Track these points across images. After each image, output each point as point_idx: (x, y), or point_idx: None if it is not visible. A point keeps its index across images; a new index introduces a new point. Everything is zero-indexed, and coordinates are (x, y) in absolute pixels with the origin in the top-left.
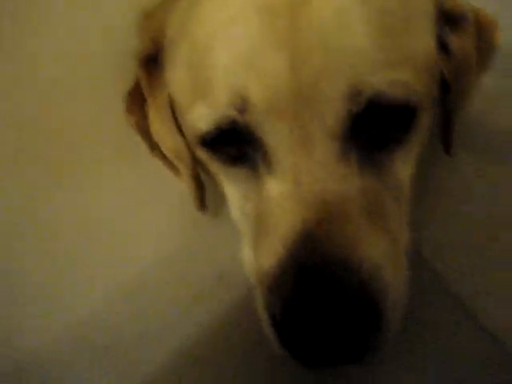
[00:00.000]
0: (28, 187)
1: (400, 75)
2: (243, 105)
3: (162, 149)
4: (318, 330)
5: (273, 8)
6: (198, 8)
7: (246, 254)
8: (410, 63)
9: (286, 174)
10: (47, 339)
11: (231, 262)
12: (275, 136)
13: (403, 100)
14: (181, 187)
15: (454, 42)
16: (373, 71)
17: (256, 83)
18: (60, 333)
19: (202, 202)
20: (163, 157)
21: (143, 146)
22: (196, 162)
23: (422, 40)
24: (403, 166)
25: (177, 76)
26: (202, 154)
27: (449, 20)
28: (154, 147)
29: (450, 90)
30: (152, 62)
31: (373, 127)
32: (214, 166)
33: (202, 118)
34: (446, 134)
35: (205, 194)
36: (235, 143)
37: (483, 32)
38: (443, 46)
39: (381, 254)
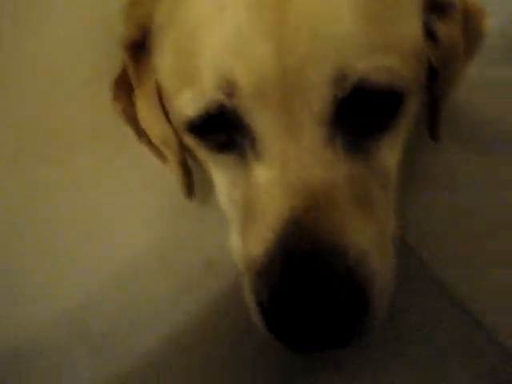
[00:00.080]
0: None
1: (386, 61)
2: (230, 88)
3: (150, 136)
4: (305, 315)
5: None
6: None
7: (234, 241)
8: (397, 49)
9: (274, 160)
10: (44, 326)
11: (219, 249)
12: (262, 122)
13: (389, 85)
14: (168, 174)
15: (442, 29)
16: (359, 57)
17: (242, 67)
18: (56, 320)
19: (189, 189)
20: (150, 144)
21: (131, 134)
22: (183, 149)
23: (409, 27)
24: (390, 153)
25: (164, 63)
26: (190, 141)
27: (436, 7)
28: (141, 134)
29: (436, 77)
30: (139, 48)
31: (359, 113)
32: (202, 153)
33: (189, 103)
34: (432, 120)
35: (192, 181)
36: (223, 130)
37: (470, 19)
38: (430, 34)
39: (368, 240)
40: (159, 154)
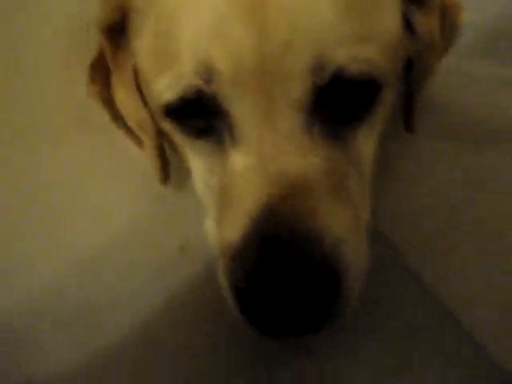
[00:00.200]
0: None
1: (364, 51)
2: (208, 74)
3: (126, 119)
4: (278, 299)
5: None
6: None
7: (210, 227)
8: (376, 40)
9: (251, 146)
10: (17, 303)
11: (194, 234)
12: (240, 108)
13: (366, 75)
14: (144, 159)
15: (419, 20)
16: (337, 46)
17: (221, 52)
18: (29, 303)
19: (164, 175)
20: (126, 128)
21: (106, 118)
22: (160, 134)
23: (388, 17)
24: (366, 141)
25: (143, 46)
26: (167, 126)
27: None
28: (117, 118)
29: (412, 68)
30: (116, 31)
31: (337, 101)
32: (179, 138)
33: (167, 88)
34: (407, 111)
35: (168, 167)
36: (201, 115)
37: (447, 13)
38: (408, 25)
39: (343, 228)
40: (135, 138)
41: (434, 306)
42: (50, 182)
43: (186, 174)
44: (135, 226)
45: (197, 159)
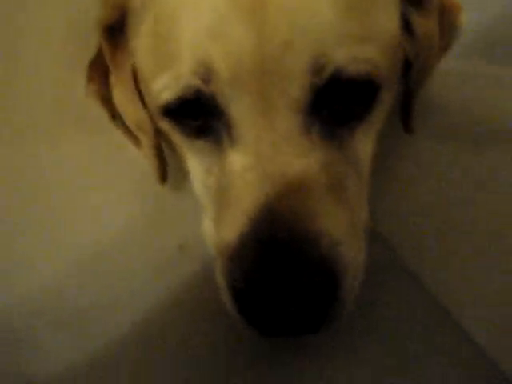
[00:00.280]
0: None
1: (364, 51)
2: (207, 74)
3: (124, 119)
4: (275, 300)
5: None
6: None
7: (207, 226)
8: (375, 40)
9: (249, 146)
10: (17, 304)
11: (192, 234)
12: (239, 108)
13: (365, 75)
14: (142, 158)
15: (418, 21)
16: (337, 46)
17: (220, 53)
18: (25, 298)
19: (162, 174)
20: (124, 127)
21: (105, 118)
22: (158, 134)
23: (387, 18)
24: (364, 142)
25: (142, 46)
26: (165, 126)
27: (413, 0)
28: (115, 117)
29: (411, 68)
30: (116, 31)
31: (335, 102)
32: (177, 139)
33: (166, 87)
34: (405, 112)
35: (166, 166)
36: (200, 115)
37: (446, 14)
38: (407, 25)
39: (341, 229)
40: (133, 138)
41: (432, 306)
42: (48, 182)
43: (183, 173)
44: (133, 226)
45: (195, 159)
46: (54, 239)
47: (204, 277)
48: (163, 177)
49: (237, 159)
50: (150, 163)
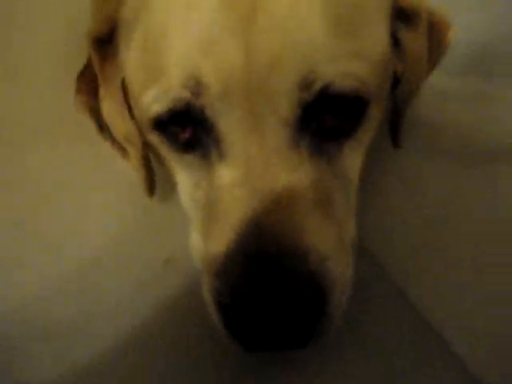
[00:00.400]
0: None
1: (353, 67)
2: (197, 87)
3: (113, 131)
4: (262, 315)
5: None
6: None
7: (195, 240)
8: (364, 56)
9: (238, 160)
10: (10, 312)
11: (179, 247)
12: (228, 122)
13: (354, 92)
14: (130, 171)
15: (407, 37)
16: (326, 62)
17: (210, 67)
18: (13, 313)
19: (150, 186)
20: (112, 138)
21: (92, 129)
22: (146, 147)
23: (377, 34)
24: (353, 157)
25: (132, 59)
26: (154, 139)
27: (402, 16)
28: (102, 128)
29: (399, 84)
30: (106, 43)
31: (324, 117)
32: (166, 152)
33: (156, 99)
34: (394, 127)
35: (154, 179)
36: (190, 128)
37: (435, 31)
38: (395, 41)
39: (329, 244)
40: (121, 150)
41: (419, 322)
42: (35, 193)
43: (171, 186)
44: (120, 238)
45: (183, 173)
46: (42, 250)
47: (190, 291)
48: (151, 189)
49: (225, 173)
50: (137, 175)
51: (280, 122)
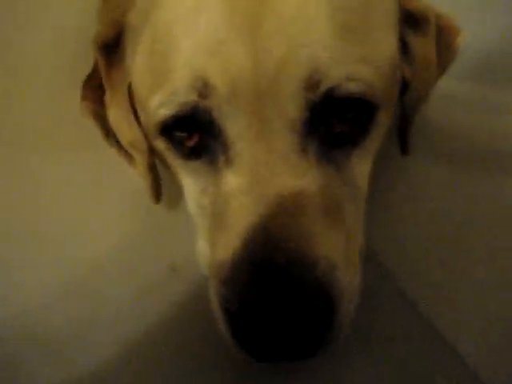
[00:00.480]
0: None
1: (360, 71)
2: (205, 89)
3: (119, 137)
4: (270, 324)
5: None
6: None
7: (201, 247)
8: (372, 61)
9: (245, 166)
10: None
11: (185, 253)
12: (235, 126)
13: (360, 95)
14: (135, 177)
15: (415, 42)
16: (333, 64)
17: (217, 68)
18: (13, 322)
19: (156, 193)
20: (118, 144)
21: (97, 136)
22: (153, 153)
23: (385, 38)
24: (361, 164)
25: (139, 64)
26: (161, 145)
27: (411, 21)
28: (108, 134)
29: (407, 90)
30: (112, 48)
31: (332, 121)
32: (173, 159)
33: (163, 103)
34: (402, 134)
35: (160, 185)
36: (196, 135)
37: (444, 36)
38: (404, 46)
39: (337, 252)
40: (127, 156)
41: (428, 331)
42: (38, 198)
43: (177, 192)
44: (125, 245)
45: (190, 179)
46: (42, 258)
47: (194, 298)
48: (157, 195)
49: (232, 179)
50: (143, 182)
51: (287, 127)
